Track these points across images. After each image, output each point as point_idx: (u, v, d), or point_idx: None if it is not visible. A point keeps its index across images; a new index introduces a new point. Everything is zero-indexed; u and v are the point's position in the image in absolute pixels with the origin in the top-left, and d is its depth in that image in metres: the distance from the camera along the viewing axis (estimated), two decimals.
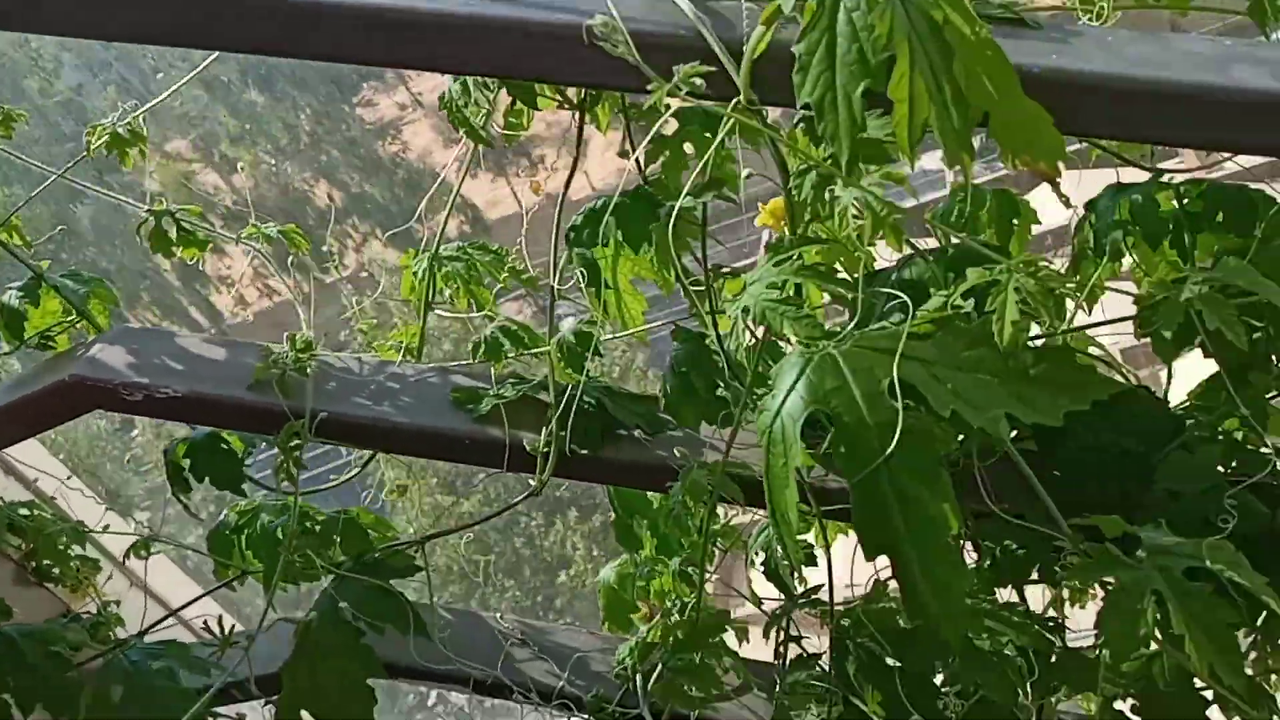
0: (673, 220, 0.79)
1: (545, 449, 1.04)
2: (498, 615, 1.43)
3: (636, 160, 1.07)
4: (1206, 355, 1.04)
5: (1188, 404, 1.05)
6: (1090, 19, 0.90)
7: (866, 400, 0.65)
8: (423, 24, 0.77)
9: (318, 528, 1.29)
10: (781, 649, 1.04)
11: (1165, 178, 1.04)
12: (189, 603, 1.51)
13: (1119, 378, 1.06)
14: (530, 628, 1.44)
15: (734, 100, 0.74)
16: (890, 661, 0.96)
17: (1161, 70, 0.77)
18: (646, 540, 1.35)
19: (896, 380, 0.64)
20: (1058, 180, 0.73)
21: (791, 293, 0.73)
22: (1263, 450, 1.05)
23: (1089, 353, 1.04)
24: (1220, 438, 1.03)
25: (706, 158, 0.82)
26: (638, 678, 1.15)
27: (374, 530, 1.35)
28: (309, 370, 1.13)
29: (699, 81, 0.67)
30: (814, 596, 1.06)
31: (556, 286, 1.05)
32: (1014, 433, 1.05)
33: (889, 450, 0.63)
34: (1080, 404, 0.66)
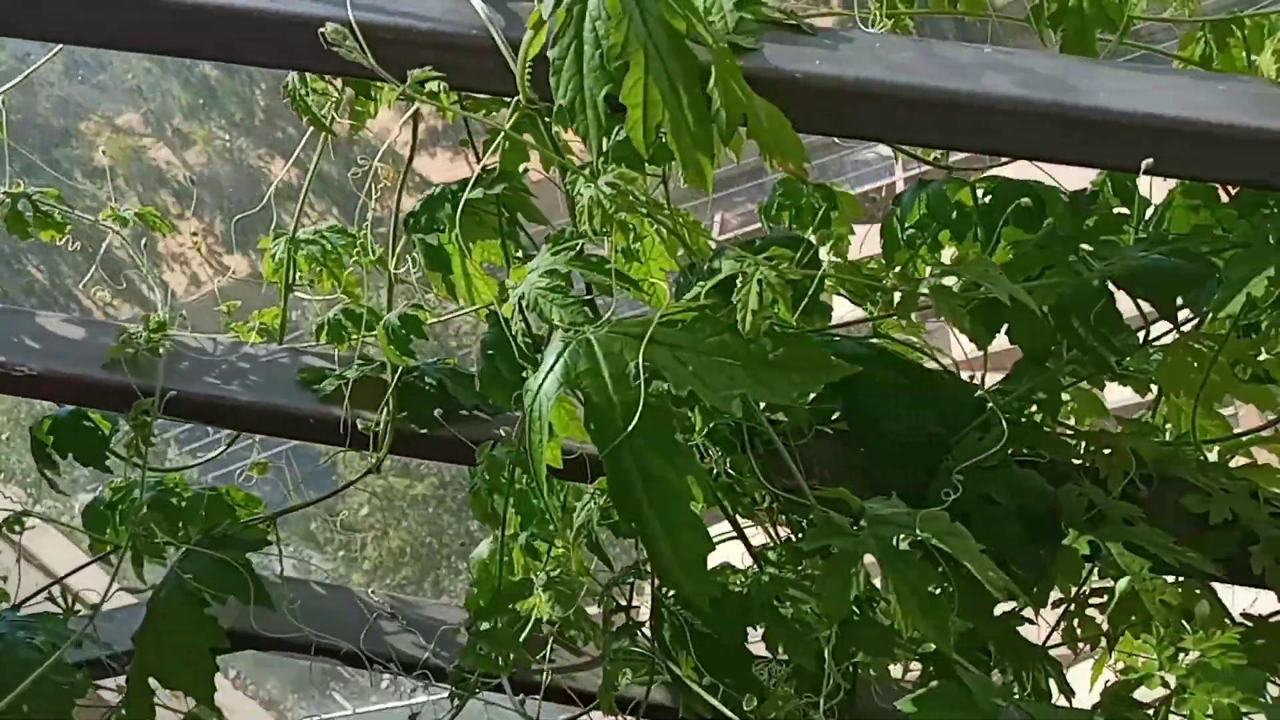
0: (460, 209, 0.83)
1: (379, 428, 1.08)
2: (369, 590, 1.47)
3: (474, 149, 1.11)
4: (1012, 342, 1.11)
5: (993, 389, 1.11)
6: (881, 24, 0.95)
7: (614, 381, 0.70)
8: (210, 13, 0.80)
9: (184, 504, 1.33)
10: (610, 618, 1.09)
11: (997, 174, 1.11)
12: (67, 574, 1.54)
13: (930, 363, 1.13)
14: (401, 602, 1.49)
15: (515, 98, 0.79)
16: (703, 629, 1.02)
17: (921, 77, 0.82)
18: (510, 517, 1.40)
19: (641, 363, 0.69)
20: (805, 177, 0.78)
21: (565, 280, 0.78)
22: (1062, 433, 1.13)
23: (897, 337, 1.11)
24: (1024, 420, 1.10)
25: (494, 147, 0.87)
26: None
27: (242, 507, 1.40)
28: (161, 350, 1.16)
29: (432, 85, 0.71)
30: (643, 568, 1.11)
31: (393, 271, 1.09)
32: (835, 415, 1.11)
33: (630, 428, 0.68)
34: (814, 386, 0.72)
